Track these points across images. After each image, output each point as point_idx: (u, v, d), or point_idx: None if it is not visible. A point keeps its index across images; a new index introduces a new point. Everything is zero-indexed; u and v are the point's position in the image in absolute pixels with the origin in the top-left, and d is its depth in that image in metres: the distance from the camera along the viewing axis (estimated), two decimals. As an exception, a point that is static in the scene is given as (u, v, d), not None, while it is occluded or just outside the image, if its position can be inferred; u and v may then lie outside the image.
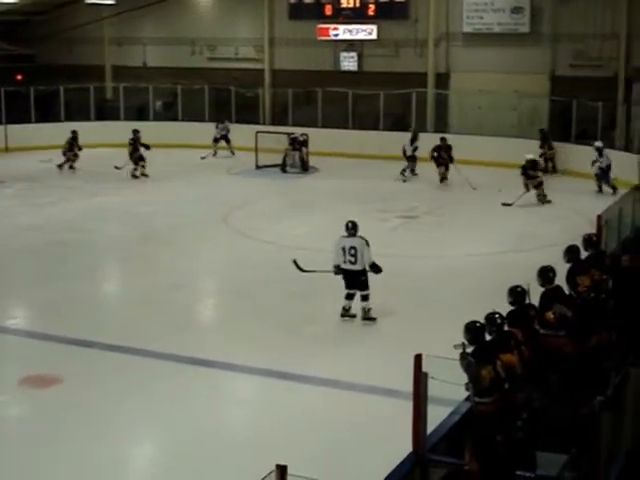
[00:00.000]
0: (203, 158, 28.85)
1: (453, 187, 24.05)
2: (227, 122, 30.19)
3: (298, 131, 27.52)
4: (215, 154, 29.32)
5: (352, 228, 13.32)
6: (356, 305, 13.34)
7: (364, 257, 13.17)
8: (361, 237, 13.26)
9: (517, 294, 9.43)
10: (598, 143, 23.60)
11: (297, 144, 27.06)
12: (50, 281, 15.75)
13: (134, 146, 25.31)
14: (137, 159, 25.28)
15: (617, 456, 7.35)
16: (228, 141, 29.77)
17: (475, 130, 28.49)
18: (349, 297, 13.41)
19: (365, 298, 13.27)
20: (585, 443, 6.84)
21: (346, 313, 13.44)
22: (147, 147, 25.45)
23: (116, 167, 25.23)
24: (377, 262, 13.13)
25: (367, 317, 13.30)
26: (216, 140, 29.69)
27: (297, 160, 27.10)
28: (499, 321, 8.62)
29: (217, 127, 29.98)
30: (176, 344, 12.47)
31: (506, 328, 8.83)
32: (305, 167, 27.11)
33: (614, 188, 22.28)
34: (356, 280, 13.28)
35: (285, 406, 10.61)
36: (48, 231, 19.30)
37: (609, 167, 22.83)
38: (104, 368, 11.80)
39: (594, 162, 23.16)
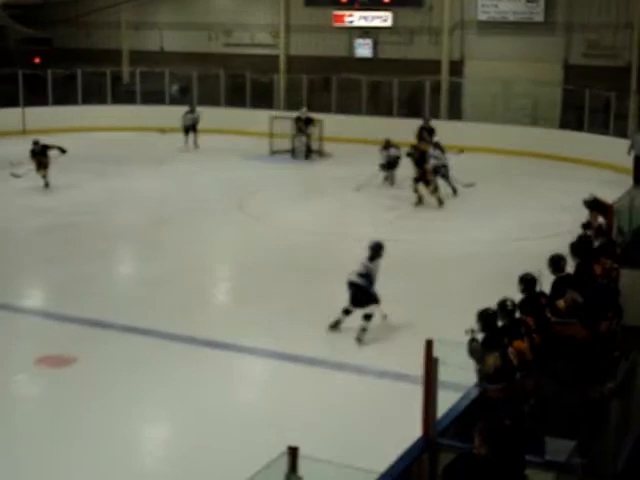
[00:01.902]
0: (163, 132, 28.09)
1: (466, 176, 24.01)
2: (198, 110, 28.46)
3: (314, 117, 27.54)
4: (195, 145, 28.12)
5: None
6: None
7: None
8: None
9: (528, 282, 9.50)
10: (436, 138, 22.92)
11: (300, 123, 27.07)
12: (65, 263, 15.89)
13: (38, 159, 21.75)
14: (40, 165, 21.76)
15: (626, 442, 7.42)
16: (195, 131, 28.07)
17: (488, 118, 28.49)
18: (347, 313, 12.50)
19: (367, 317, 12.25)
20: (594, 429, 6.91)
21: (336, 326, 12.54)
22: (62, 151, 22.16)
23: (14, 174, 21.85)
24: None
25: (360, 337, 12.17)
26: (187, 130, 28.06)
27: (303, 145, 27.14)
28: (510, 308, 8.71)
29: (187, 114, 28.33)
30: (188, 326, 12.60)
31: (518, 315, 8.93)
32: (308, 153, 27.07)
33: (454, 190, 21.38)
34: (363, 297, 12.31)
35: (295, 389, 10.73)
36: (63, 213, 19.42)
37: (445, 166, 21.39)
38: (118, 349, 11.94)
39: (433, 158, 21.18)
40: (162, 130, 26.24)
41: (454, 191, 21.19)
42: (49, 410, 10.25)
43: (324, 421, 9.75)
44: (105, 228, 18.67)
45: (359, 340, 12.07)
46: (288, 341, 12.05)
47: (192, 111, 28.28)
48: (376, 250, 12.40)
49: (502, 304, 8.74)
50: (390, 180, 22.26)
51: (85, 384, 10.81)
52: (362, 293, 12.24)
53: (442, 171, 21.04)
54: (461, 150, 23.64)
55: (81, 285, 14.64)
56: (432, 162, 20.62)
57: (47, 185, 21.61)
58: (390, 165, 21.83)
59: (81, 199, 20.91)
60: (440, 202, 20.30)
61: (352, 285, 12.27)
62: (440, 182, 20.79)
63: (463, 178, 21.31)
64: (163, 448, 9.80)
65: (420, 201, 20.37)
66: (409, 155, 20.77)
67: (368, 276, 12.22)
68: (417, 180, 20.33)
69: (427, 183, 20.29)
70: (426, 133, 24.40)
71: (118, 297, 14.45)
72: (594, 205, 14.35)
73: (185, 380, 10.95)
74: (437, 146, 21.40)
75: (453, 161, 21.65)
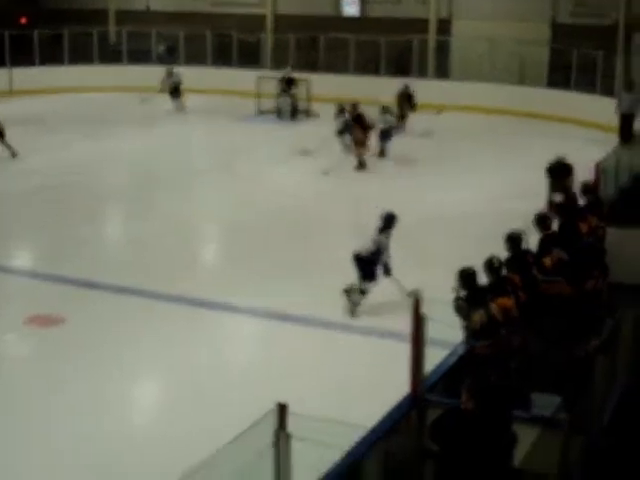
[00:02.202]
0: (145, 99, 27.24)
1: (452, 135, 24.02)
2: (178, 72, 27.65)
3: (298, 77, 27.44)
4: (180, 108, 27.32)
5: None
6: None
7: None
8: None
9: (514, 240, 9.56)
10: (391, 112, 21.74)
11: (284, 83, 26.96)
12: (53, 223, 15.91)
13: None
14: None
15: (611, 398, 7.51)
16: (179, 94, 27.37)
17: (476, 77, 28.41)
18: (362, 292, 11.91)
19: (362, 292, 11.88)
20: (579, 385, 6.99)
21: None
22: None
23: None
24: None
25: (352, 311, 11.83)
26: (173, 92, 27.32)
27: (288, 106, 27.01)
28: (497, 266, 8.79)
29: (167, 77, 27.46)
30: (178, 286, 12.65)
31: (504, 273, 9.00)
32: (295, 113, 26.96)
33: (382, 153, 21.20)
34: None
35: (285, 347, 10.80)
36: (52, 174, 19.36)
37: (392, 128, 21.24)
38: (107, 309, 11.99)
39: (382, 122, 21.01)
40: (143, 98, 25.88)
41: (383, 153, 21.02)
42: (38, 369, 10.30)
43: (313, 379, 9.82)
44: (94, 189, 18.61)
45: (351, 313, 11.74)
46: (278, 300, 12.10)
47: (170, 74, 27.57)
48: (388, 221, 11.93)
49: (488, 262, 8.81)
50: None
51: (74, 344, 10.86)
52: (367, 266, 11.74)
53: (391, 133, 20.96)
54: (440, 110, 23.40)
55: (70, 246, 14.66)
56: (380, 126, 20.56)
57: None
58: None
59: (69, 160, 20.83)
60: (360, 165, 19.98)
61: (357, 259, 11.80)
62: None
63: (441, 137, 21.29)
64: (153, 407, 9.88)
65: (362, 165, 20.06)
66: (340, 112, 20.80)
67: (377, 252, 11.74)
68: (357, 143, 20.07)
69: (361, 143, 20.03)
70: (405, 98, 24.20)
71: (107, 257, 14.48)
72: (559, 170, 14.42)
73: (175, 340, 11.01)
74: (387, 110, 21.13)
75: (433, 122, 21.62)
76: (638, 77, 25.43)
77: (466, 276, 8.49)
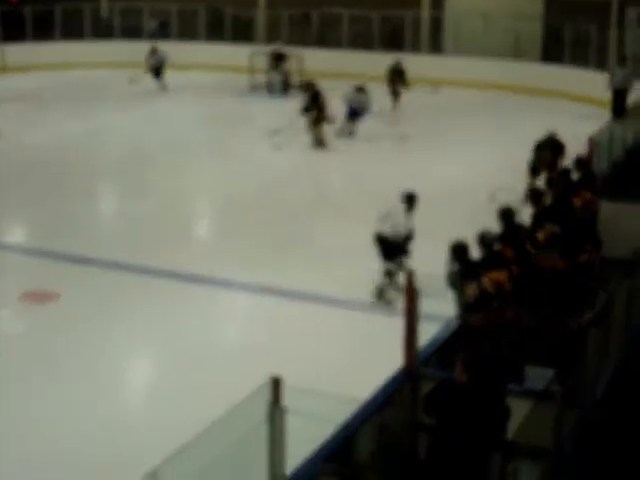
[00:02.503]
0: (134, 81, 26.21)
1: (445, 111, 23.96)
2: (163, 50, 26.79)
3: (288, 53, 27.34)
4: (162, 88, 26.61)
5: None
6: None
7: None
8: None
9: (507, 214, 9.58)
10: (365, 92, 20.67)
11: (274, 59, 26.86)
12: (48, 200, 15.87)
13: None
14: None
15: (604, 371, 7.53)
16: (161, 73, 26.59)
17: (470, 52, 28.33)
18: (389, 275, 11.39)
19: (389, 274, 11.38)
20: (572, 358, 7.01)
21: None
22: None
23: None
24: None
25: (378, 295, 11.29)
26: (154, 71, 26.58)
27: (279, 81, 26.89)
28: (489, 240, 8.80)
29: (151, 54, 26.69)
30: (171, 261, 12.64)
31: (497, 248, 9.01)
32: (286, 88, 26.83)
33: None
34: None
35: (279, 322, 10.81)
36: (45, 151, 19.31)
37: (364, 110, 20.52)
38: (101, 285, 11.98)
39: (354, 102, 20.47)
40: (131, 79, 25.66)
41: (352, 133, 20.58)
42: (33, 344, 10.30)
43: (307, 353, 9.84)
44: (87, 165, 18.58)
45: (378, 298, 11.23)
46: (272, 275, 12.10)
47: (154, 52, 26.88)
48: (411, 200, 11.39)
49: (481, 236, 8.83)
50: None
51: (69, 319, 10.86)
52: (390, 246, 11.22)
53: (361, 114, 20.40)
54: (436, 85, 23.13)
55: (64, 221, 14.65)
56: (352, 105, 20.12)
57: None
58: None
59: (63, 136, 20.77)
60: (319, 142, 19.62)
61: (381, 240, 11.23)
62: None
63: (434, 112, 21.18)
64: (147, 382, 9.90)
65: (321, 143, 19.71)
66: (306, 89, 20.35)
67: (408, 237, 11.25)
68: (315, 120, 19.67)
69: (318, 121, 19.64)
70: (396, 75, 23.59)
71: (101, 233, 14.48)
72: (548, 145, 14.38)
73: (169, 314, 11.02)
74: (361, 90, 20.41)
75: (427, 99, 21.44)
76: (631, 51, 25.39)
77: (458, 250, 8.52)
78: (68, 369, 9.63)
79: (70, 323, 10.76)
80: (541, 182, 13.19)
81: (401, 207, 11.33)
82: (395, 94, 23.39)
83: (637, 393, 7.58)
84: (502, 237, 9.22)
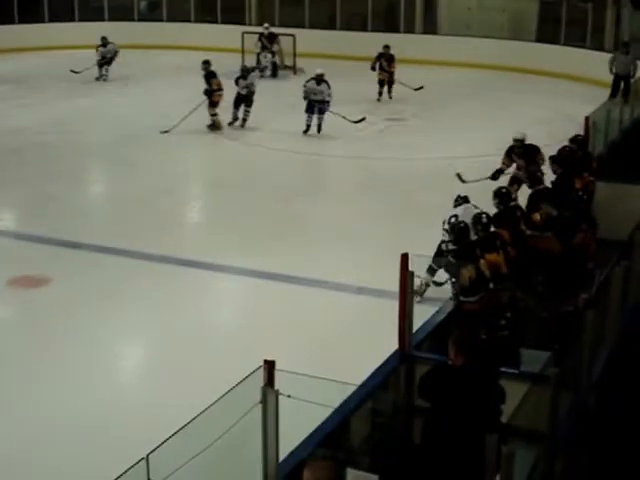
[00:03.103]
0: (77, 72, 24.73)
1: (441, 91, 23.83)
2: (113, 44, 25.24)
3: (287, 32, 27.18)
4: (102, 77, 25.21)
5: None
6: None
7: None
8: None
9: (502, 195, 9.52)
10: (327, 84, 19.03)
11: (264, 40, 26.67)
12: (35, 183, 15.75)
13: None
14: None
15: (600, 353, 7.48)
16: (106, 64, 25.17)
17: (464, 31, 28.21)
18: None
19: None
20: (568, 340, 6.96)
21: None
22: None
23: None
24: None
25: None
26: (101, 64, 25.10)
27: (269, 62, 26.73)
28: (485, 221, 8.74)
29: (101, 47, 25.14)
30: (163, 245, 12.54)
31: (493, 229, 8.95)
32: (276, 70, 26.73)
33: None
34: None
35: (274, 306, 10.71)
36: (32, 133, 19.16)
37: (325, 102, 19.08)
38: (92, 269, 11.87)
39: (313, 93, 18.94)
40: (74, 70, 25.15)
41: (318, 129, 18.98)
42: (23, 331, 10.21)
43: (302, 337, 9.77)
44: (76, 147, 18.45)
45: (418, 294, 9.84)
46: (264, 259, 12.01)
47: (104, 45, 25.42)
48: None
49: (477, 217, 8.77)
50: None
51: (59, 305, 10.76)
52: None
53: (322, 107, 18.77)
54: (419, 87, 22.68)
55: (53, 205, 14.52)
56: (311, 97, 18.61)
57: None
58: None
59: (50, 118, 20.62)
60: (214, 126, 19.15)
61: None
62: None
63: (430, 92, 21.00)
64: (140, 367, 9.82)
65: (215, 126, 19.19)
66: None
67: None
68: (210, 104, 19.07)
69: (212, 104, 19.12)
70: (384, 61, 22.67)
71: (91, 217, 14.38)
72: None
73: (161, 300, 10.93)
74: (321, 80, 18.77)
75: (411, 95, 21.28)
76: (629, 30, 25.22)
77: (459, 231, 8.41)
78: (59, 353, 9.54)
79: (61, 308, 10.66)
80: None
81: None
82: (382, 84, 22.63)
83: (633, 375, 7.53)
84: (498, 218, 9.16)
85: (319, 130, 18.82)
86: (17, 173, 16.55)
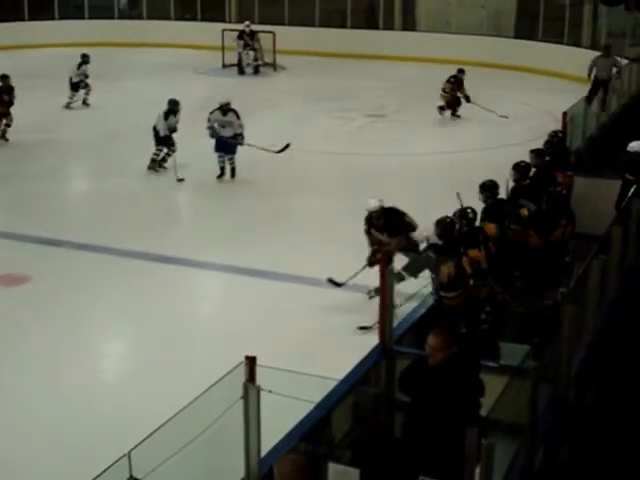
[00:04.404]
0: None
1: (423, 86, 23.87)
2: (86, 65, 21.99)
3: (266, 30, 27.18)
4: (71, 103, 22.09)
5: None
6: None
7: None
8: None
9: (490, 188, 9.52)
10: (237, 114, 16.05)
11: (245, 37, 26.66)
12: (16, 181, 15.69)
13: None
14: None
15: (579, 347, 7.52)
16: (85, 86, 22.03)
17: (443, 28, 28.27)
18: None
19: None
20: (547, 334, 7.00)
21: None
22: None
23: None
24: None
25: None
26: (75, 87, 21.93)
27: (251, 60, 26.75)
28: (471, 216, 8.74)
29: (84, 65, 21.99)
30: (142, 242, 12.55)
31: (478, 224, 8.98)
32: (257, 67, 26.78)
33: None
34: None
35: (253, 302, 10.74)
36: (13, 131, 19.05)
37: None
38: (73, 267, 11.87)
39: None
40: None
41: (232, 174, 15.96)
42: (4, 328, 10.16)
43: (281, 332, 9.79)
44: (57, 145, 18.40)
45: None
46: (246, 255, 12.04)
47: (85, 62, 22.25)
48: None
49: (463, 212, 8.75)
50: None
51: (39, 302, 10.74)
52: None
53: (231, 146, 15.97)
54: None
55: (32, 203, 14.48)
56: (220, 132, 15.83)
57: None
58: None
59: (31, 117, 20.49)
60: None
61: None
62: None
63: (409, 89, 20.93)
64: (120, 364, 9.80)
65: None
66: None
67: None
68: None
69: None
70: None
71: (71, 215, 14.36)
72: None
73: (140, 296, 10.94)
74: (228, 110, 15.98)
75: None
76: (605, 26, 25.36)
77: (446, 227, 8.36)
78: (38, 351, 9.52)
79: (40, 306, 10.63)
80: None
81: None
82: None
83: (612, 368, 7.58)
84: (486, 212, 9.22)
85: (233, 175, 15.92)
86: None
